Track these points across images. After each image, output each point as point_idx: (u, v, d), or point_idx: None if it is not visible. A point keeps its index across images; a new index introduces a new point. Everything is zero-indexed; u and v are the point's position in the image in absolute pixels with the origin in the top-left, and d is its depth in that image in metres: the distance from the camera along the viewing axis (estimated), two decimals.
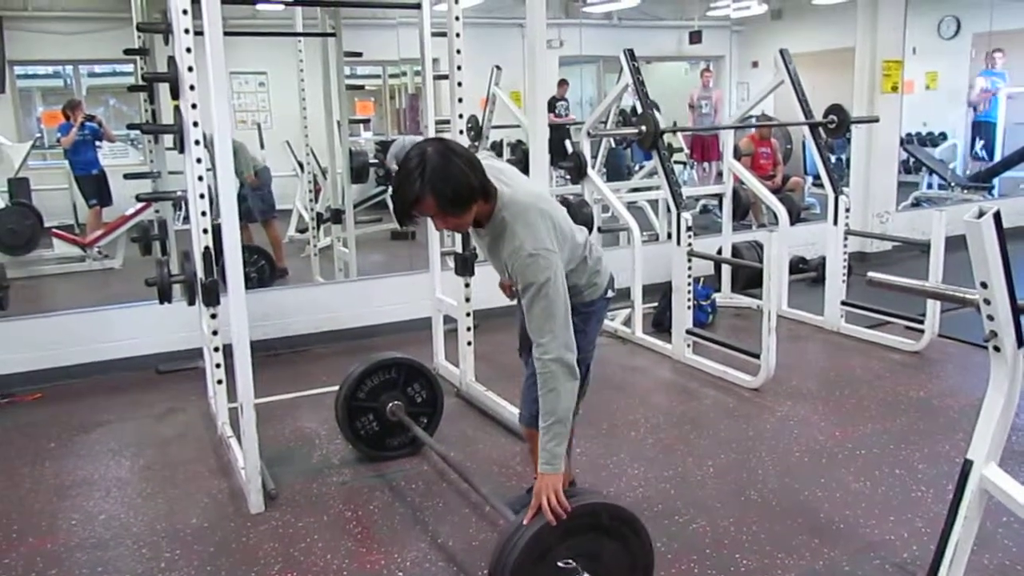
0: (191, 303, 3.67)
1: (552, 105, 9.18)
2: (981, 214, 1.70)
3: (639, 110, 4.90)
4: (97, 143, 7.76)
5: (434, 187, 2.07)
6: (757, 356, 4.10)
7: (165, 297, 3.72)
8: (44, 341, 4.52)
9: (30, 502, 3.19)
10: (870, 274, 2.09)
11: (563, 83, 9.72)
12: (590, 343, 2.57)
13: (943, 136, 10.72)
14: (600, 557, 2.14)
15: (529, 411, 2.51)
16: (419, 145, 2.14)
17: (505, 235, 2.22)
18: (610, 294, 2.59)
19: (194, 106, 3.24)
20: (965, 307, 1.88)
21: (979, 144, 9.80)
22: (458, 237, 3.90)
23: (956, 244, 3.95)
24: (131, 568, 2.70)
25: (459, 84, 3.72)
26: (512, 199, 2.25)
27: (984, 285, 1.76)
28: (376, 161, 7.94)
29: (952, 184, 9.13)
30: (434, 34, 4.01)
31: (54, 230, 7.21)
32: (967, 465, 1.96)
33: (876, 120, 6.11)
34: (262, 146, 8.58)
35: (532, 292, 2.16)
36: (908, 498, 3.00)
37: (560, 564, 2.08)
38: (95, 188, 7.65)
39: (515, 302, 2.65)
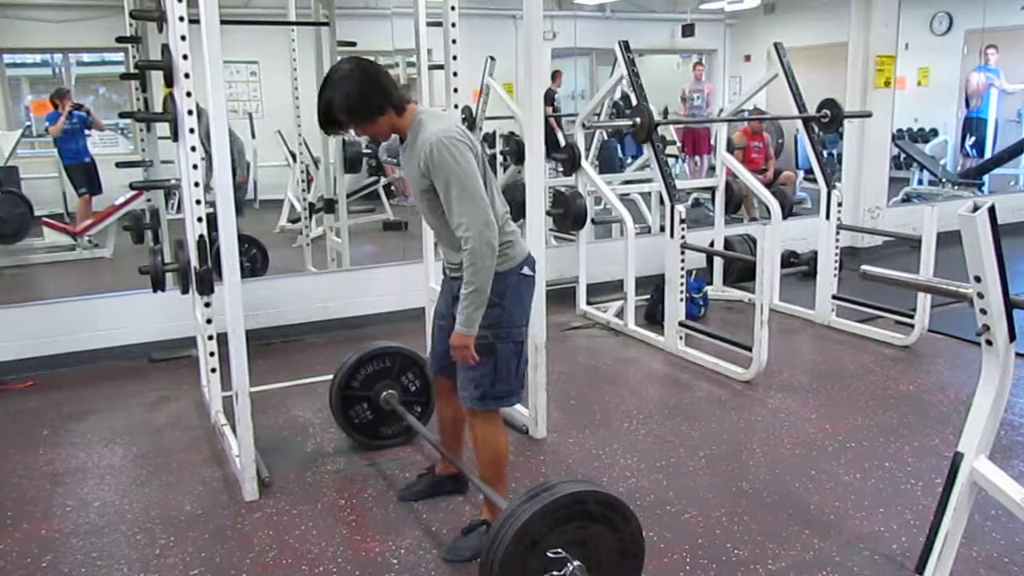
0: (184, 292, 3.66)
1: (551, 97, 9.16)
2: (976, 208, 1.72)
3: (634, 101, 4.90)
4: (86, 132, 7.70)
5: (339, 98, 2.36)
6: (749, 349, 4.13)
7: (159, 285, 3.71)
8: (36, 329, 4.50)
9: (24, 489, 3.18)
10: (864, 267, 2.11)
11: (557, 74, 9.70)
12: (520, 317, 2.52)
13: (934, 132, 10.76)
14: (590, 545, 2.15)
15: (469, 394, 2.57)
16: (339, 63, 2.47)
17: (419, 134, 2.40)
18: (527, 271, 2.54)
19: (189, 94, 3.24)
20: (959, 301, 1.90)
21: (970, 140, 9.85)
22: None
23: (946, 240, 4.00)
24: (126, 554, 2.70)
25: (455, 74, 3.71)
26: (433, 113, 2.52)
27: (978, 279, 1.79)
28: (369, 151, 7.92)
29: (942, 180, 9.18)
30: (429, 24, 4.00)
31: (44, 219, 7.17)
32: (957, 458, 1.98)
33: (869, 115, 6.13)
34: (253, 135, 8.55)
35: (445, 177, 2.33)
36: (897, 491, 3.03)
37: (550, 554, 2.09)
38: (85, 177, 7.60)
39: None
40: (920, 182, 9.40)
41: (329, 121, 2.43)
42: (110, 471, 3.33)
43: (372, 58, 2.46)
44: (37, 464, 3.40)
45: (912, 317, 4.64)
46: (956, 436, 1.98)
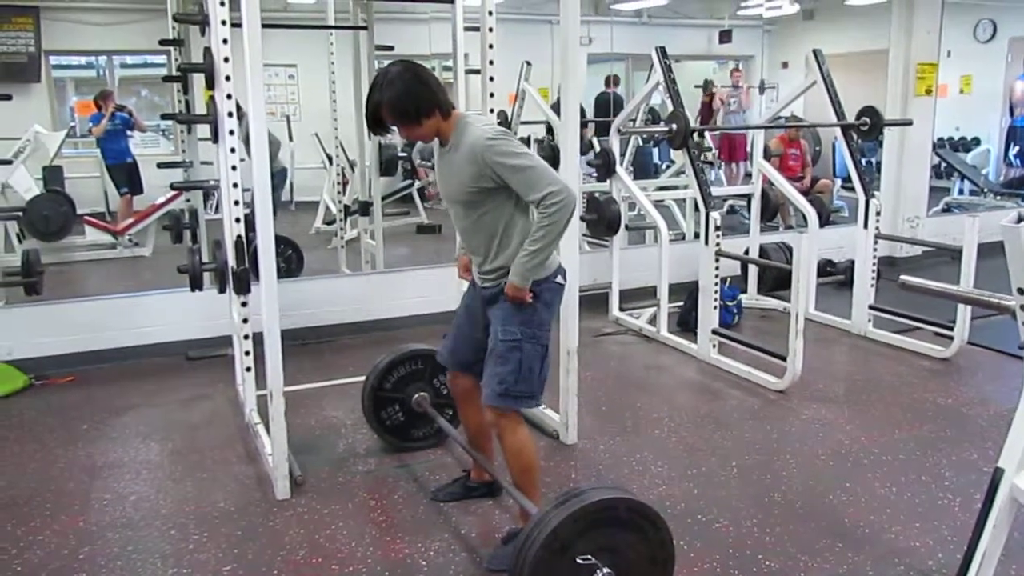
0: (222, 291, 3.72)
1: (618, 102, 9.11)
2: (1020, 219, 1.69)
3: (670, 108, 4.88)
4: (129, 133, 7.86)
5: (388, 98, 2.37)
6: (783, 358, 4.08)
7: (196, 284, 3.78)
8: (77, 325, 4.60)
9: (63, 482, 3.25)
10: (903, 277, 2.07)
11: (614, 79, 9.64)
12: (548, 322, 2.56)
13: (976, 141, 10.57)
14: (620, 551, 2.14)
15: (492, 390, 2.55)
16: (389, 65, 2.46)
17: (465, 135, 2.43)
18: (560, 280, 2.57)
19: (229, 96, 3.29)
20: (1000, 313, 1.86)
21: (1014, 150, 9.65)
22: None
23: (988, 251, 3.92)
24: (160, 548, 2.75)
25: (491, 79, 3.73)
26: (475, 116, 2.53)
27: (1021, 291, 1.75)
28: (404, 155, 7.98)
29: (984, 190, 9.00)
30: (466, 29, 4.02)
31: (86, 217, 7.32)
32: (997, 474, 1.94)
33: (909, 123, 6.04)
34: (291, 138, 8.67)
35: (513, 161, 2.36)
36: (934, 505, 2.98)
37: (579, 560, 2.09)
38: (126, 177, 7.76)
39: (468, 281, 2.80)
40: (961, 192, 9.23)
41: (376, 121, 2.45)
42: (146, 466, 3.39)
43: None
44: (76, 458, 3.47)
45: (951, 329, 4.54)
46: (996, 451, 1.94)
